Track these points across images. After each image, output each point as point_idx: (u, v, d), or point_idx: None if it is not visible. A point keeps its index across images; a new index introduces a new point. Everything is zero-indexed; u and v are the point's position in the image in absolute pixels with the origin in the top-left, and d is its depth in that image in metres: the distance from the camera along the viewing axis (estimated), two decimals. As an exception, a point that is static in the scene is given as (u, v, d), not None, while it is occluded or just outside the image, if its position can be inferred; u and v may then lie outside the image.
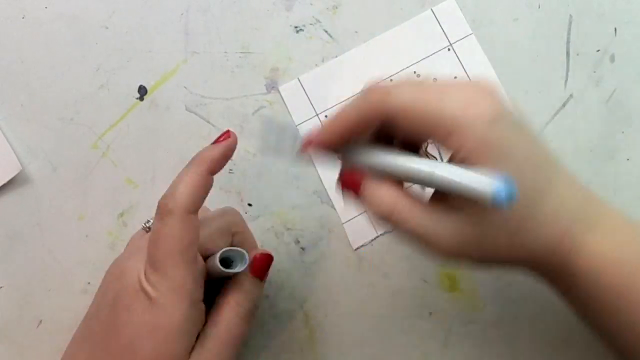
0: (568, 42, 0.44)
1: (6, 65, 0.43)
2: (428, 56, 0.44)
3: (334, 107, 0.43)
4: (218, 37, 0.44)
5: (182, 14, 0.44)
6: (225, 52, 0.44)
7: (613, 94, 0.43)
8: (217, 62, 0.44)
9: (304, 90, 0.43)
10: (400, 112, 0.30)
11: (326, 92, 0.43)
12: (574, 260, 0.31)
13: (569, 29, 0.44)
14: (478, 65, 0.43)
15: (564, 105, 0.43)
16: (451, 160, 0.30)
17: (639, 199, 0.43)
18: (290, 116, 0.43)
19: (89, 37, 0.44)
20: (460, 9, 0.44)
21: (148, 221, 0.38)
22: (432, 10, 0.44)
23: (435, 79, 0.36)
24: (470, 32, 0.44)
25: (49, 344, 0.42)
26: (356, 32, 0.44)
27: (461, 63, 0.43)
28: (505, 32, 0.44)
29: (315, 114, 0.43)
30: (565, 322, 0.41)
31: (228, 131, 0.36)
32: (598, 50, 0.43)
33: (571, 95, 0.43)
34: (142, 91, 0.43)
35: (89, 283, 0.42)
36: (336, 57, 0.43)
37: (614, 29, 0.44)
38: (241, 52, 0.44)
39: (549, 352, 0.41)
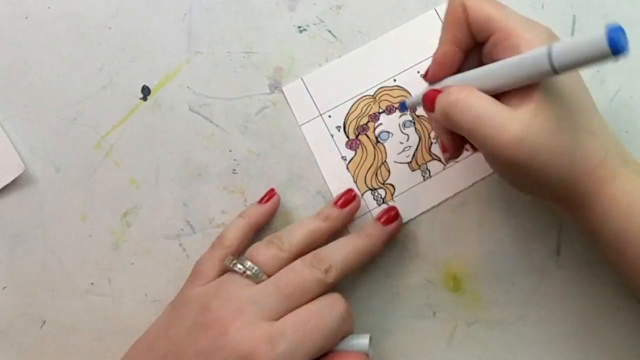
0: (572, 41, 0.44)
1: (9, 66, 0.43)
2: (431, 56, 0.43)
3: (338, 107, 0.43)
4: (221, 37, 0.44)
5: (185, 14, 0.44)
6: (229, 52, 0.44)
7: (617, 93, 0.43)
8: (220, 62, 0.44)
9: (308, 90, 0.43)
10: (472, 12, 0.34)
11: (330, 92, 0.43)
12: (607, 187, 0.33)
13: (573, 29, 0.44)
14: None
15: (567, 105, 0.43)
16: None
17: (643, 199, 0.43)
18: (294, 116, 0.43)
19: (92, 37, 0.44)
20: (464, 9, 0.44)
21: (234, 263, 0.37)
22: (435, 10, 0.44)
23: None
24: None
25: (53, 344, 0.42)
26: (360, 31, 0.44)
27: None
28: (509, 32, 0.44)
29: (318, 114, 0.43)
30: (569, 322, 0.41)
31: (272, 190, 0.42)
32: (602, 50, 0.43)
33: (575, 95, 0.43)
34: (145, 91, 0.43)
35: (92, 283, 0.42)
36: (340, 57, 0.43)
37: (617, 29, 0.44)
38: (244, 52, 0.44)
39: (553, 352, 0.41)
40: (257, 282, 0.36)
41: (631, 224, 0.33)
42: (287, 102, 0.43)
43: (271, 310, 0.34)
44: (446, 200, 0.42)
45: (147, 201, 0.43)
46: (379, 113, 0.43)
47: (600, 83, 0.43)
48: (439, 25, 0.43)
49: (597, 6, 0.44)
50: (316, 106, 0.43)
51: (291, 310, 0.34)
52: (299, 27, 0.44)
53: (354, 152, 0.43)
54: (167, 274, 0.42)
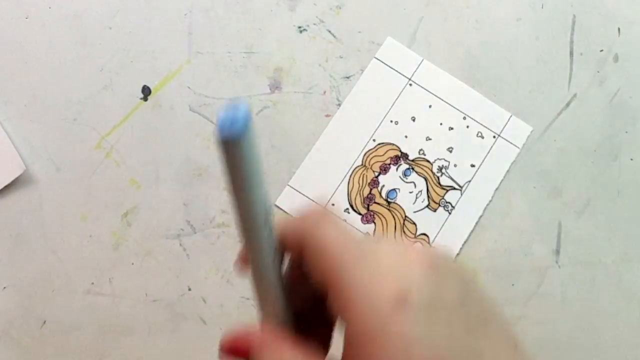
0: (571, 42, 0.44)
1: (10, 66, 0.43)
2: (395, 100, 0.43)
3: (336, 192, 0.42)
4: (221, 37, 0.44)
5: (185, 14, 0.44)
6: (229, 52, 0.44)
7: (617, 93, 0.43)
8: (221, 62, 0.44)
9: (299, 192, 0.42)
10: (312, 251, 0.25)
11: (320, 183, 0.43)
12: None
13: (573, 29, 0.44)
14: (445, 84, 0.43)
15: (567, 105, 0.43)
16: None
17: (642, 199, 0.43)
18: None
19: (92, 38, 0.44)
20: (464, 8, 0.44)
21: None
22: (375, 57, 0.43)
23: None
24: (421, 58, 0.43)
25: (53, 344, 0.42)
26: (359, 32, 0.44)
27: (428, 91, 0.43)
28: (509, 32, 0.44)
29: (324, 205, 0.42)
30: (568, 322, 0.41)
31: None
32: (602, 50, 0.43)
33: (575, 95, 0.43)
34: (146, 91, 0.43)
35: (92, 283, 0.42)
36: (309, 151, 0.42)
37: (617, 29, 0.44)
38: (245, 52, 0.44)
39: (553, 352, 0.41)
40: None
41: None
42: (286, 212, 0.42)
43: None
44: (474, 227, 0.42)
45: (147, 201, 0.43)
46: (376, 177, 0.43)
47: (599, 84, 0.43)
48: (386, 70, 0.43)
49: (597, 6, 0.44)
50: (315, 203, 0.42)
51: None
52: (299, 27, 0.44)
53: (373, 225, 0.42)
54: (168, 274, 0.42)
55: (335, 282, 0.25)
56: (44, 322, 0.42)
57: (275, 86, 0.43)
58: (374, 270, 0.25)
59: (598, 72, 0.43)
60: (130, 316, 0.42)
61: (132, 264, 0.42)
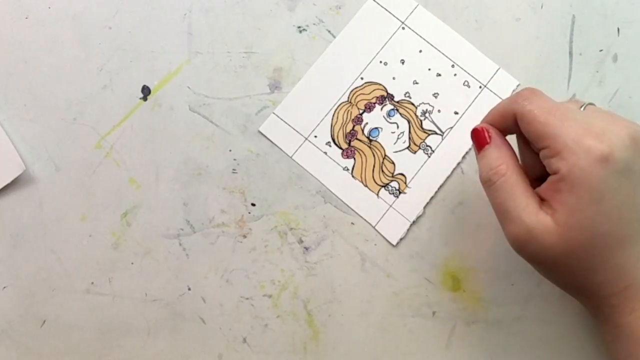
0: (571, 42, 0.44)
1: (9, 66, 0.43)
2: (387, 42, 0.44)
3: (320, 125, 0.43)
4: (221, 37, 0.44)
5: (185, 14, 0.44)
6: (229, 52, 0.44)
7: (616, 94, 0.43)
8: (221, 62, 0.44)
9: (284, 121, 0.43)
10: (524, 118, 0.33)
11: (305, 114, 0.43)
12: (617, 316, 0.33)
13: (572, 29, 0.44)
14: (437, 32, 0.44)
15: (566, 105, 0.43)
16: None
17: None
18: (282, 150, 0.43)
19: (92, 37, 0.44)
20: (463, 9, 0.44)
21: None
22: None
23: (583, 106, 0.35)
24: (416, 3, 0.44)
25: (53, 343, 0.42)
26: (359, 32, 0.44)
27: (420, 36, 0.44)
28: (508, 32, 0.44)
29: (304, 139, 0.43)
30: (568, 322, 0.41)
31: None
32: (601, 50, 0.43)
33: (574, 95, 0.43)
34: (146, 91, 0.43)
35: (92, 283, 0.42)
36: (299, 79, 0.43)
37: (616, 29, 0.44)
38: (244, 52, 0.44)
39: (552, 352, 0.41)
40: None
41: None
42: (270, 141, 0.43)
43: None
44: (451, 174, 0.42)
45: (147, 201, 0.43)
46: (361, 114, 0.43)
47: (599, 83, 0.43)
48: (380, 11, 0.44)
49: (597, 6, 0.44)
50: (299, 132, 0.43)
51: None
52: (299, 27, 0.44)
53: (352, 160, 0.43)
54: (167, 273, 0.42)
55: (547, 138, 0.32)
56: (44, 321, 0.42)
57: (275, 86, 0.44)
58: (584, 129, 0.32)
59: (597, 72, 0.43)
60: (130, 316, 0.42)
61: (132, 263, 0.42)
